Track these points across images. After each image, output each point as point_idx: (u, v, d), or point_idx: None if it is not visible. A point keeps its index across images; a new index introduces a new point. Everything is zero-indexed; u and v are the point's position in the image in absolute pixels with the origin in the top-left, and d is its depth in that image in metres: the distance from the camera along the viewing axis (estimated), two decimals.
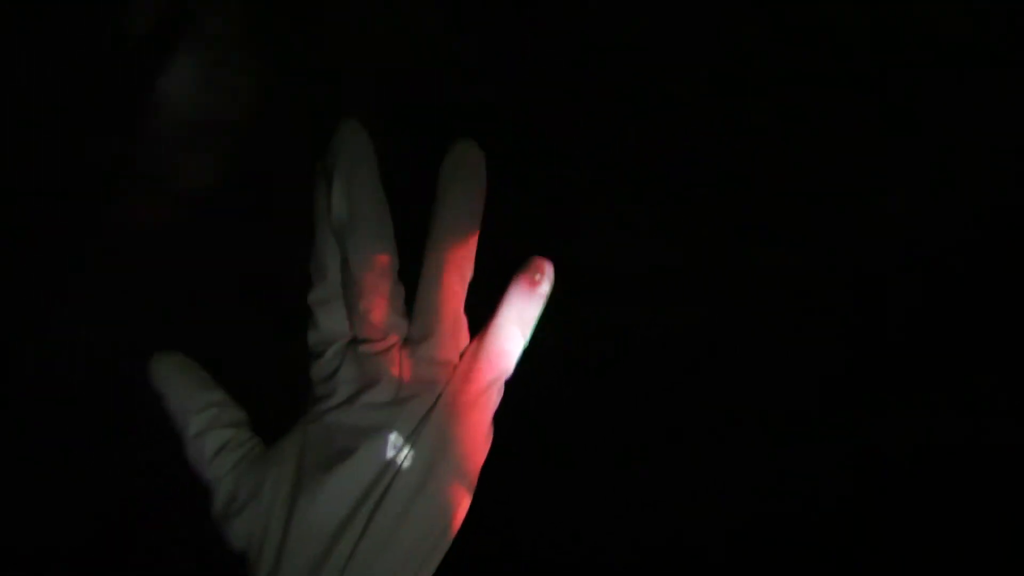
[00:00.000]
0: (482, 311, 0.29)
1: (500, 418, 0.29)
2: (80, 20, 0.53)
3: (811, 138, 0.50)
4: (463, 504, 0.28)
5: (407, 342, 0.28)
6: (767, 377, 0.54)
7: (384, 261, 0.28)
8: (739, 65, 0.48)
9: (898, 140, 0.48)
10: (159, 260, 0.55)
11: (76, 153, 0.55)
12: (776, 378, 0.54)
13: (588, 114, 0.52)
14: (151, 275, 0.55)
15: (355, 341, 0.29)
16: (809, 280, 0.51)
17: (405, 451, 0.27)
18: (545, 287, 0.29)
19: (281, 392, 0.32)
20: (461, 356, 0.29)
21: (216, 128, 0.51)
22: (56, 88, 0.53)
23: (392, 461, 0.27)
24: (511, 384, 0.29)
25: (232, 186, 0.53)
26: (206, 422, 0.30)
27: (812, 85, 0.48)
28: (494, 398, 0.28)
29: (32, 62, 0.54)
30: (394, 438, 0.27)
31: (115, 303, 0.57)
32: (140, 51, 0.53)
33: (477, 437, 0.28)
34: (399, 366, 0.28)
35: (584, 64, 0.51)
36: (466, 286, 0.29)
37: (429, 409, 0.28)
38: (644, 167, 0.52)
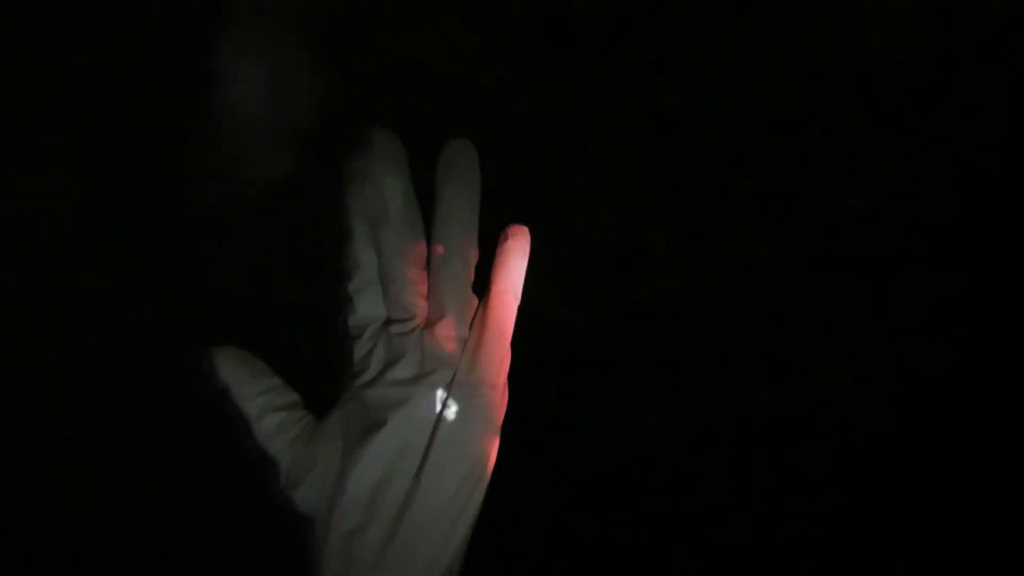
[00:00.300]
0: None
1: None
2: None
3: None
4: (492, 453, 0.32)
5: (426, 323, 0.32)
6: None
7: (413, 250, 0.32)
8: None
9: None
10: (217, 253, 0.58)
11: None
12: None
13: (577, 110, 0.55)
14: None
15: (387, 323, 0.33)
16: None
17: (437, 413, 0.31)
18: (524, 247, 0.33)
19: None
20: (470, 328, 0.33)
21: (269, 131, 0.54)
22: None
23: (426, 423, 0.31)
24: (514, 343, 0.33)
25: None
26: (264, 406, 0.34)
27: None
28: (505, 358, 0.32)
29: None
30: (426, 403, 0.31)
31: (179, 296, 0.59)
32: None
33: (496, 395, 0.32)
34: (421, 344, 0.32)
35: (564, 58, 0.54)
36: (472, 269, 0.32)
37: (451, 378, 0.32)
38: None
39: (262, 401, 0.34)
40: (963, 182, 0.54)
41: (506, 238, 0.33)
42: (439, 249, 0.32)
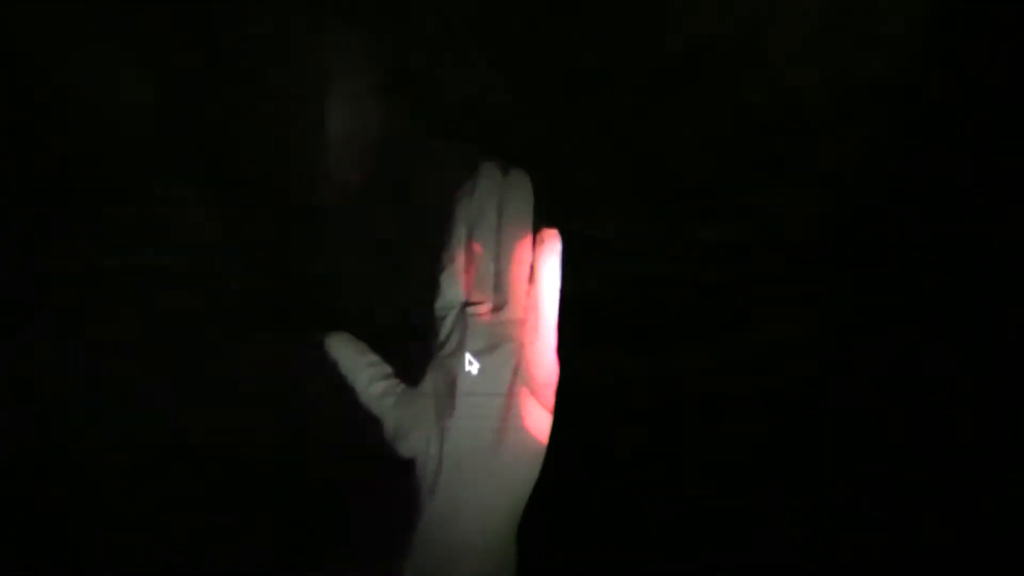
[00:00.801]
0: None
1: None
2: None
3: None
4: (549, 416, 0.43)
5: (494, 308, 0.42)
6: None
7: (495, 251, 0.42)
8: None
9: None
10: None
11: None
12: None
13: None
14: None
15: (465, 305, 0.42)
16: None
17: (507, 383, 0.42)
18: (557, 247, 0.43)
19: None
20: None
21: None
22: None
23: (499, 391, 0.41)
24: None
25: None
26: (369, 376, 0.44)
27: None
28: (553, 338, 0.42)
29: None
30: (496, 376, 0.41)
31: None
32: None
33: (549, 367, 0.43)
34: (491, 324, 0.42)
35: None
36: (527, 266, 0.42)
37: (514, 354, 0.42)
38: None
39: (367, 374, 0.44)
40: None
41: (542, 240, 0.43)
42: (504, 254, 0.42)
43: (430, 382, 0.43)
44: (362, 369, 0.45)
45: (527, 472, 0.43)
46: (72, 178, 0.65)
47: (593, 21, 0.59)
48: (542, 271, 0.43)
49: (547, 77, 0.62)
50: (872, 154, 0.61)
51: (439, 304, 0.43)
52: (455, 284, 0.43)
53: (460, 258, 0.43)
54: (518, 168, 0.44)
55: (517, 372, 0.42)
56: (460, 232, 0.43)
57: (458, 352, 0.42)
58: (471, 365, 0.42)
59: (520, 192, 0.43)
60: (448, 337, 0.43)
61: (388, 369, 0.45)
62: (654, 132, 0.61)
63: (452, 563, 0.42)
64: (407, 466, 0.42)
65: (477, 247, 0.43)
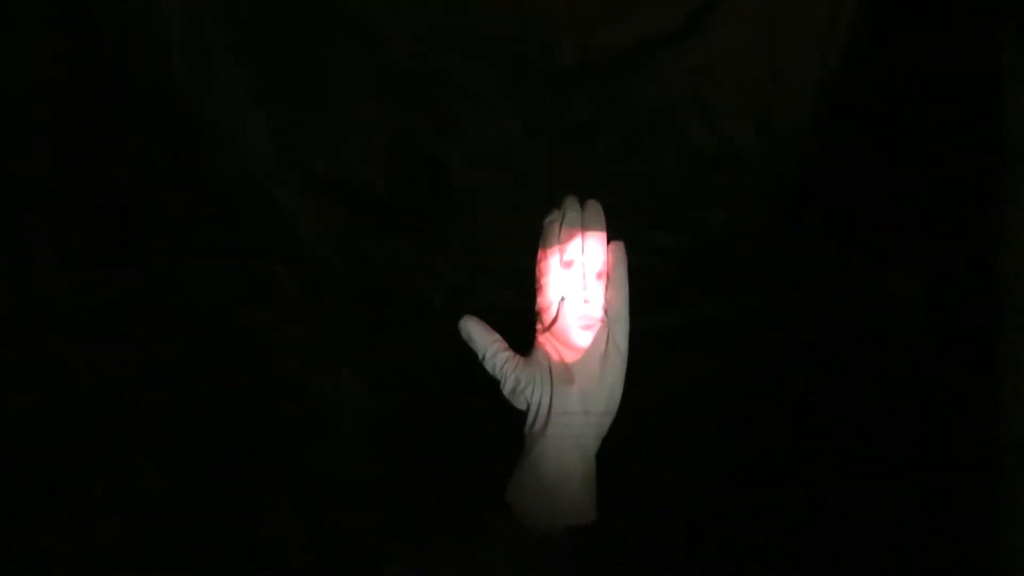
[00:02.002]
0: None
1: None
2: None
3: None
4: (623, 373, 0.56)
5: (585, 300, 0.55)
6: None
7: (581, 260, 0.55)
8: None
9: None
10: None
11: None
12: None
13: None
14: None
15: (562, 300, 0.55)
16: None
17: (601, 351, 0.54)
18: (624, 254, 0.56)
19: None
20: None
21: None
22: None
23: (595, 357, 0.54)
24: None
25: None
26: (494, 347, 0.56)
27: None
28: (627, 318, 0.56)
29: None
30: (592, 346, 0.54)
31: None
32: None
33: (625, 339, 0.56)
34: (583, 310, 0.55)
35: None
36: (606, 270, 0.56)
37: (603, 330, 0.54)
38: None
39: (493, 347, 0.55)
40: None
41: (613, 251, 0.56)
42: (591, 260, 0.55)
43: (539, 353, 0.55)
44: (488, 343, 0.56)
45: (607, 417, 0.54)
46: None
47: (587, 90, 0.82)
48: (616, 272, 0.56)
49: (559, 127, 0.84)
50: (787, 184, 0.83)
51: (542, 299, 0.56)
52: (554, 285, 0.55)
53: (556, 266, 0.55)
54: (592, 199, 0.57)
55: (605, 343, 0.54)
56: (554, 248, 0.55)
57: (560, 331, 0.54)
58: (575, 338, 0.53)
59: (596, 217, 0.56)
60: (552, 323, 0.55)
61: (505, 343, 0.56)
62: (630, 165, 0.85)
63: (557, 487, 0.51)
64: None
65: (570, 258, 0.55)
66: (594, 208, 0.56)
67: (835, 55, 0.79)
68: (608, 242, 0.57)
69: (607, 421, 0.55)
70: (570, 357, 0.55)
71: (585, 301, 0.55)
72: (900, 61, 0.78)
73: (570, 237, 0.55)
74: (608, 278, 0.56)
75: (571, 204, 0.56)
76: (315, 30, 0.81)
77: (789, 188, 0.82)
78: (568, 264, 0.55)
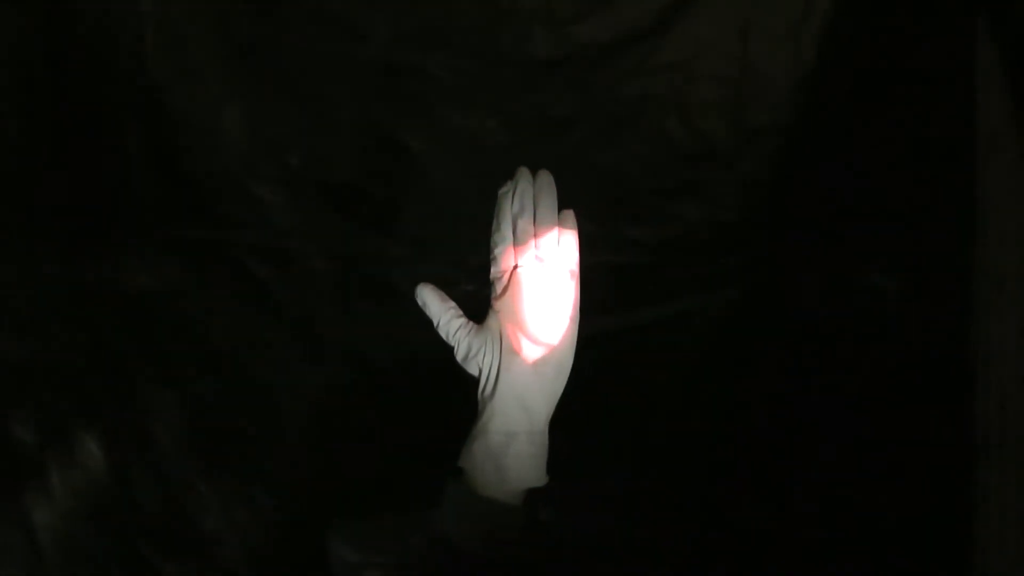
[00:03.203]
0: None
1: None
2: None
3: None
4: (574, 337, 0.55)
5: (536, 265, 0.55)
6: None
7: (530, 229, 0.55)
8: None
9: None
10: None
11: None
12: None
13: None
14: None
15: (515, 268, 0.55)
16: None
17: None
18: (574, 220, 0.56)
19: None
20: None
21: None
22: None
23: (560, 319, 0.54)
24: None
25: None
26: (448, 314, 0.56)
27: None
28: (577, 278, 0.56)
29: None
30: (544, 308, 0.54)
31: None
32: None
33: (575, 298, 0.56)
34: (537, 275, 0.55)
35: None
36: (556, 235, 0.55)
37: (554, 294, 0.54)
38: None
39: (447, 314, 0.56)
40: None
41: (563, 219, 0.55)
42: (543, 227, 0.55)
43: (491, 320, 0.56)
44: (443, 310, 0.56)
45: (559, 380, 0.54)
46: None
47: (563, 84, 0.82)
48: (566, 240, 0.56)
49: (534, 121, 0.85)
50: (762, 178, 0.84)
51: (495, 270, 0.56)
52: (508, 255, 0.55)
53: (509, 236, 0.55)
54: (544, 169, 0.57)
55: (556, 307, 0.54)
56: (507, 219, 0.55)
57: (513, 299, 0.55)
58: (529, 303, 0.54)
59: (547, 186, 0.56)
60: (504, 291, 0.55)
61: (459, 310, 0.57)
62: (606, 159, 0.85)
63: (502, 448, 0.52)
64: None
65: (521, 227, 0.55)
66: (545, 178, 0.57)
67: (809, 50, 0.80)
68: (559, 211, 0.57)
69: (558, 385, 0.55)
70: (520, 323, 0.55)
71: (538, 264, 0.55)
72: (874, 56, 0.79)
73: (522, 207, 0.55)
74: (560, 244, 0.56)
75: (523, 175, 0.57)
76: (291, 23, 0.81)
77: (765, 182, 0.82)
78: (520, 233, 0.55)
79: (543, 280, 0.55)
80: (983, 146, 0.73)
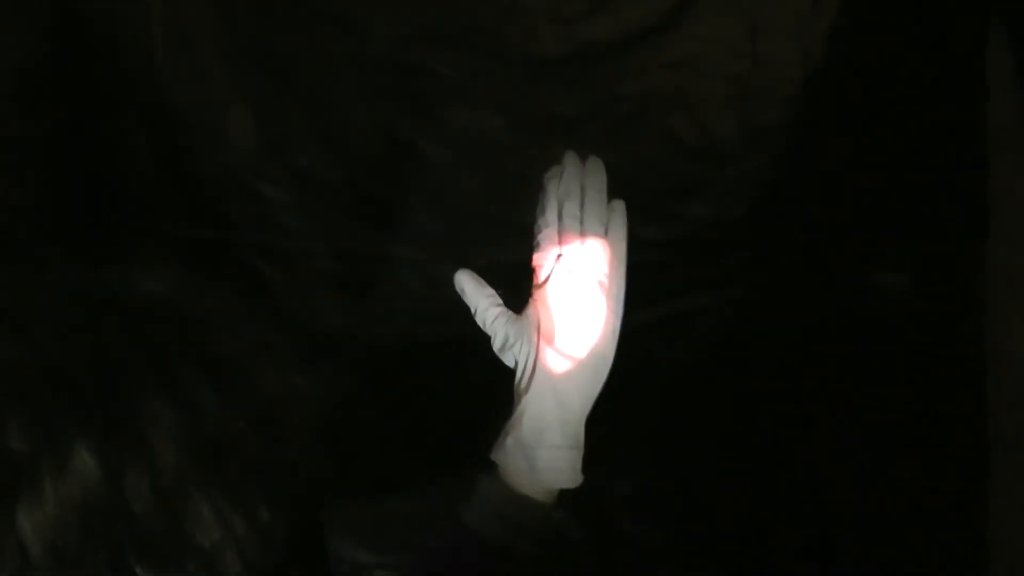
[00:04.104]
0: None
1: None
2: None
3: None
4: (616, 335, 0.53)
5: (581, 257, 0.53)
6: None
7: (580, 216, 0.53)
8: None
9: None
10: None
11: None
12: None
13: None
14: None
15: (559, 256, 0.53)
16: None
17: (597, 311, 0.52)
18: (624, 210, 0.54)
19: None
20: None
21: None
22: None
23: (598, 315, 0.52)
24: None
25: None
26: (486, 302, 0.54)
27: None
28: (624, 275, 0.54)
29: None
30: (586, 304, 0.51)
31: None
32: None
33: (621, 297, 0.53)
34: (580, 267, 0.52)
35: None
36: (604, 226, 0.53)
37: (597, 292, 0.52)
38: None
39: (485, 301, 0.54)
40: None
41: (613, 208, 0.54)
42: (591, 215, 0.53)
43: (530, 311, 0.53)
44: (481, 298, 0.53)
45: (597, 376, 0.52)
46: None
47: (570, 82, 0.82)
48: (615, 228, 0.53)
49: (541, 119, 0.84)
50: (770, 177, 0.83)
51: (537, 256, 0.54)
52: (552, 239, 0.53)
53: (554, 221, 0.53)
54: (593, 156, 0.55)
55: (599, 304, 0.52)
56: (552, 203, 0.53)
57: (554, 290, 0.52)
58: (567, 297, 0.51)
59: (597, 172, 0.54)
60: (548, 278, 0.53)
61: (498, 299, 0.54)
62: (612, 157, 0.84)
63: (536, 444, 0.50)
64: None
65: (568, 210, 0.52)
66: (595, 164, 0.55)
67: (817, 48, 0.80)
68: (608, 200, 0.55)
69: (597, 382, 0.52)
70: (560, 316, 0.52)
71: (581, 259, 0.53)
72: (883, 54, 0.78)
73: (569, 192, 0.53)
74: (609, 236, 0.54)
75: (571, 159, 0.54)
76: (297, 23, 0.81)
77: (772, 181, 0.82)
78: (567, 218, 0.53)
79: (586, 276, 0.53)
80: (994, 143, 0.73)
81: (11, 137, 0.78)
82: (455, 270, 0.54)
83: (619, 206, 0.54)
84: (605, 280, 0.53)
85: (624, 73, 0.81)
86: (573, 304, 0.52)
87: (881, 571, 0.68)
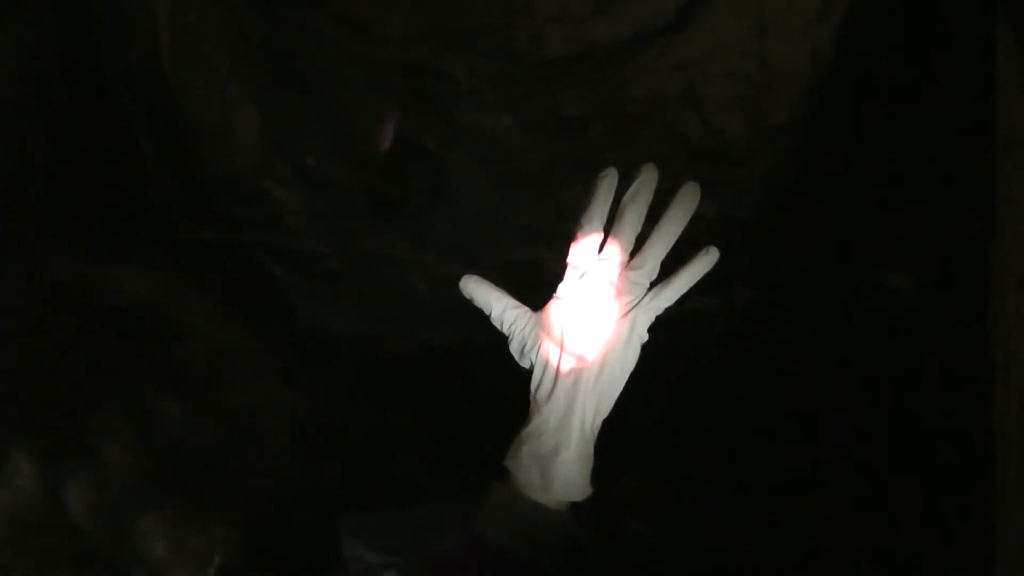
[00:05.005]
0: None
1: None
2: None
3: None
4: (639, 348, 0.51)
5: (629, 267, 0.52)
6: None
7: (637, 226, 0.52)
8: None
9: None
10: None
11: None
12: None
13: None
14: None
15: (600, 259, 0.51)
16: None
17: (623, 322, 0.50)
18: (707, 267, 0.53)
19: None
20: (651, 286, 0.52)
21: None
22: None
23: (610, 325, 0.50)
24: None
25: None
26: (501, 304, 0.53)
27: None
28: (667, 302, 0.53)
29: None
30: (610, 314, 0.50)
31: None
32: None
33: (653, 315, 0.52)
34: (616, 276, 0.51)
35: None
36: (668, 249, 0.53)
37: (635, 302, 0.51)
38: None
39: (499, 303, 0.53)
40: None
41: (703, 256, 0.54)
42: (660, 232, 0.52)
43: (552, 314, 0.51)
44: (494, 299, 0.52)
45: (615, 385, 0.50)
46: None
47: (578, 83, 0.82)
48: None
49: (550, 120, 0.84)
50: (779, 177, 0.83)
51: (575, 254, 0.52)
52: (590, 242, 0.52)
53: (598, 224, 0.51)
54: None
55: (622, 320, 0.50)
56: (601, 204, 0.51)
57: (581, 295, 0.51)
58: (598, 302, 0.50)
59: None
60: (577, 281, 0.51)
61: (512, 300, 0.52)
62: (619, 158, 0.84)
63: (551, 454, 0.49)
64: None
65: (629, 218, 0.51)
66: (649, 173, 0.53)
67: (826, 48, 0.79)
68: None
69: (614, 391, 0.51)
70: (583, 323, 0.51)
71: (624, 265, 0.52)
72: (892, 54, 0.78)
73: (635, 200, 0.52)
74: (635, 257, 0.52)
75: (650, 171, 0.53)
76: (306, 23, 0.81)
77: (780, 181, 0.82)
78: (622, 227, 0.52)
79: (598, 299, 0.51)
80: (1001, 144, 0.73)
81: (16, 136, 0.78)
82: (464, 272, 0.54)
83: (676, 220, 0.53)
84: (633, 292, 0.52)
85: (632, 73, 0.81)
86: (597, 313, 0.51)
87: (884, 573, 0.68)
